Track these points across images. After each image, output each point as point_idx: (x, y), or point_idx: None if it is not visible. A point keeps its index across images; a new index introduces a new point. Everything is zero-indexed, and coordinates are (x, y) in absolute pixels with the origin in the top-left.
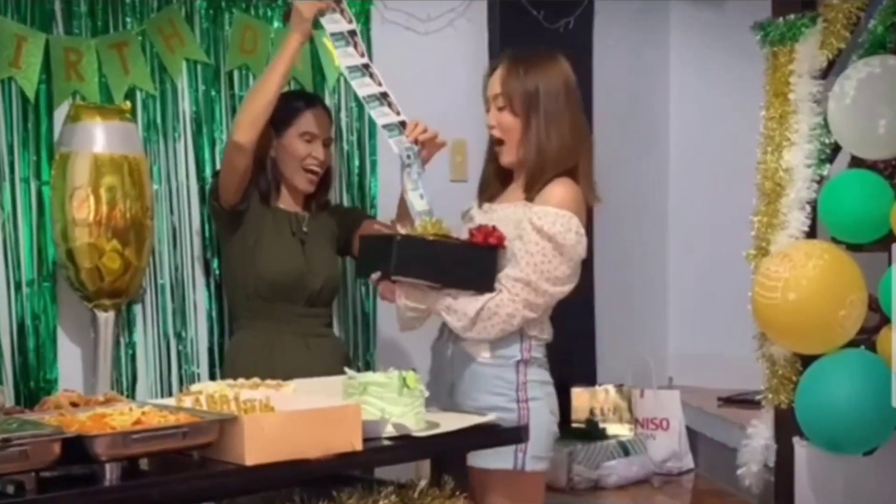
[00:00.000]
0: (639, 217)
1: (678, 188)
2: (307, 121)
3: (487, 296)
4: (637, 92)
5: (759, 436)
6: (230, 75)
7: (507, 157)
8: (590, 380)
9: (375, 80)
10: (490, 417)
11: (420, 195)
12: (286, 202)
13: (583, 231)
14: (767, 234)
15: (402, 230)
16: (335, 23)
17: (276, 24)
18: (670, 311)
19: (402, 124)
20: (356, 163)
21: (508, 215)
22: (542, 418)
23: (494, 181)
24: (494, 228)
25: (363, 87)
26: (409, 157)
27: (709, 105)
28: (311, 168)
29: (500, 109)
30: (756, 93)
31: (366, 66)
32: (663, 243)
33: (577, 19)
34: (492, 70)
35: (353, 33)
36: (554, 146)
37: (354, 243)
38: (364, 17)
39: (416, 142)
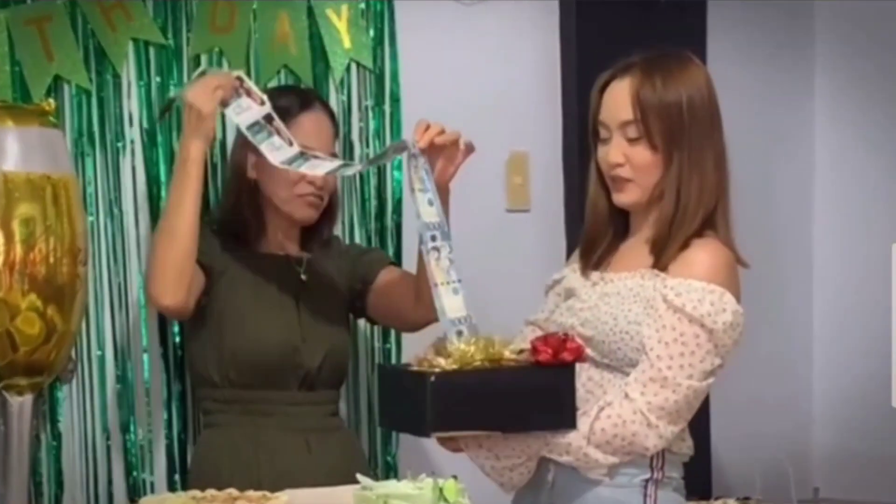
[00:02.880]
0: (771, 268)
1: (825, 223)
2: (300, 131)
3: (598, 409)
4: (769, 96)
5: None
6: (196, 62)
7: (632, 196)
8: (703, 491)
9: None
10: None
11: (429, 201)
12: (275, 244)
13: (741, 310)
14: None
15: (433, 357)
16: (245, 111)
17: None
18: (815, 397)
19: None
20: (372, 183)
21: (633, 289)
22: None
23: (606, 233)
24: (566, 337)
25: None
26: (413, 152)
27: (866, 109)
28: (309, 194)
29: (633, 142)
30: None
31: (302, 155)
32: (806, 300)
33: None
34: (606, 82)
35: (269, 118)
36: (694, 191)
37: (370, 301)
38: None
39: (427, 150)
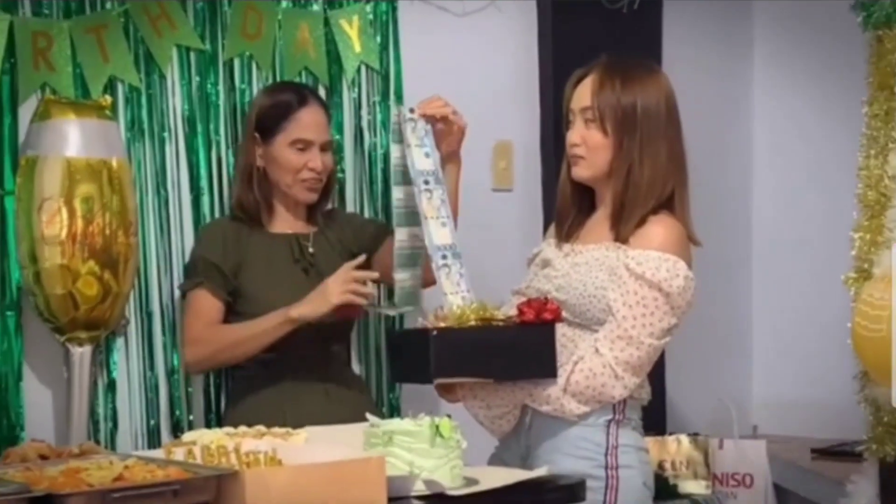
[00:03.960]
0: (716, 238)
1: (763, 202)
2: (299, 126)
3: (572, 363)
4: (714, 90)
5: (860, 494)
6: (230, 65)
7: (583, 171)
8: (658, 428)
9: None
10: (541, 471)
11: (426, 154)
12: (283, 223)
13: (692, 275)
14: (870, 253)
15: (434, 320)
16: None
17: (283, 3)
18: (755, 347)
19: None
20: (379, 166)
21: (599, 259)
22: (633, 491)
23: (572, 209)
24: (547, 300)
25: None
26: (411, 113)
27: (799, 103)
28: (309, 178)
29: (589, 124)
30: (856, 87)
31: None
32: (746, 268)
33: (643, 0)
34: (578, 79)
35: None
36: (646, 175)
37: (373, 268)
38: None
39: (426, 118)
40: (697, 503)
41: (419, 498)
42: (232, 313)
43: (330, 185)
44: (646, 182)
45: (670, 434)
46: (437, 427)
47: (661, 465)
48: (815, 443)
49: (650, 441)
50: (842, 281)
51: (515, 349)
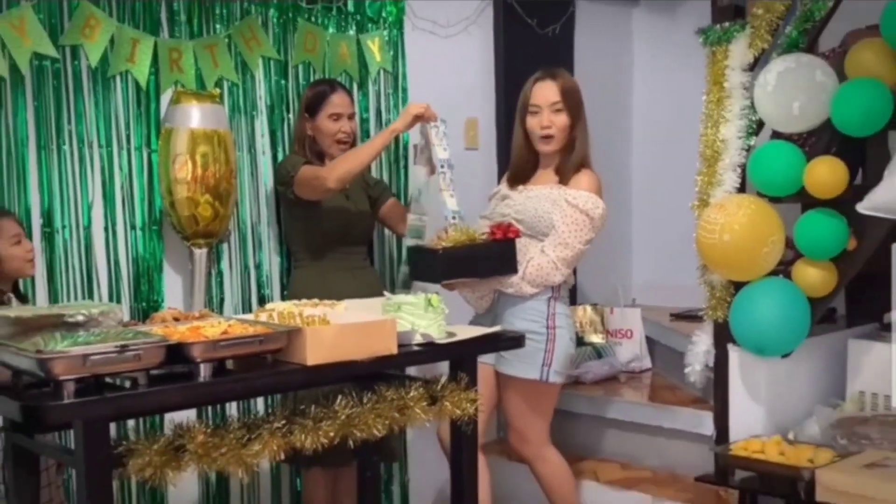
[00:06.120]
0: (609, 178)
1: (640, 156)
2: (334, 103)
3: (527, 261)
4: (608, 81)
5: (701, 343)
6: (296, 69)
7: (554, 146)
8: (572, 300)
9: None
10: (496, 328)
11: (451, 194)
12: None
13: (605, 207)
14: (708, 190)
15: (439, 241)
16: (438, 145)
17: (330, 29)
18: (634, 248)
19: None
20: (391, 146)
21: (545, 195)
22: (564, 341)
23: (527, 167)
24: (510, 224)
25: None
26: (442, 166)
27: (663, 91)
28: (342, 139)
29: (558, 112)
30: (699, 81)
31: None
32: (628, 198)
33: (562, 25)
34: (534, 83)
35: (450, 165)
36: (582, 142)
37: (381, 213)
38: (399, 24)
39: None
40: (597, 349)
41: (418, 345)
42: (300, 217)
43: (355, 142)
44: (581, 146)
45: (579, 304)
46: (429, 300)
47: None
48: (673, 310)
49: None
50: (689, 207)
51: (491, 256)
